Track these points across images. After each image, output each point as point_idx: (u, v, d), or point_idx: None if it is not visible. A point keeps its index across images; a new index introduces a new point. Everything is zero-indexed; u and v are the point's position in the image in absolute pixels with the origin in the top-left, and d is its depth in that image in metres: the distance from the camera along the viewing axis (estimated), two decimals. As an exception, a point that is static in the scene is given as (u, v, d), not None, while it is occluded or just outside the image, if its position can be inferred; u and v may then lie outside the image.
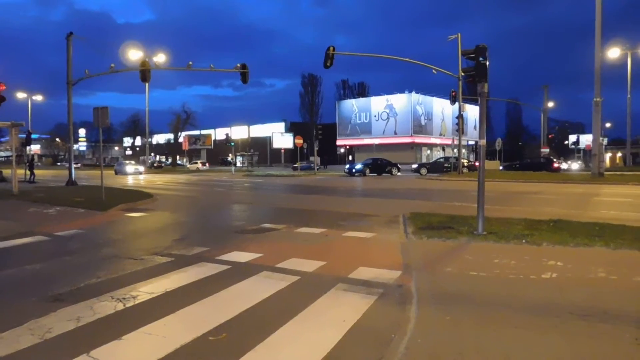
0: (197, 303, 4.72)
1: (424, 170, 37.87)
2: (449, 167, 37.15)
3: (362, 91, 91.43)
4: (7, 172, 26.34)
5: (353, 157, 71.48)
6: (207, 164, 71.03)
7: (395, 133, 70.06)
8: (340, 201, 16.81)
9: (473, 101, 57.20)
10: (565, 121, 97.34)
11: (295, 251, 7.28)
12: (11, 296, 5.10)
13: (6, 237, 8.62)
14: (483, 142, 8.38)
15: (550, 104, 49.07)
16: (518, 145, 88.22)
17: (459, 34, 31.49)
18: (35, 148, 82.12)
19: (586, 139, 66.09)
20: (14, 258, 7.14)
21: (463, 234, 8.13)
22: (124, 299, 4.84)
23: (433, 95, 72.25)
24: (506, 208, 12.48)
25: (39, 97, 50.34)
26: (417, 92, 70.50)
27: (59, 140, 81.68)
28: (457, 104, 33.47)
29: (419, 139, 69.49)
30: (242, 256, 6.95)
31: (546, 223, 8.94)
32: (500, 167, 39.97)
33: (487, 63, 8.18)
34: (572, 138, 76.37)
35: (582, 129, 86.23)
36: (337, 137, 77.46)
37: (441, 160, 42.12)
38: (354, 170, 38.15)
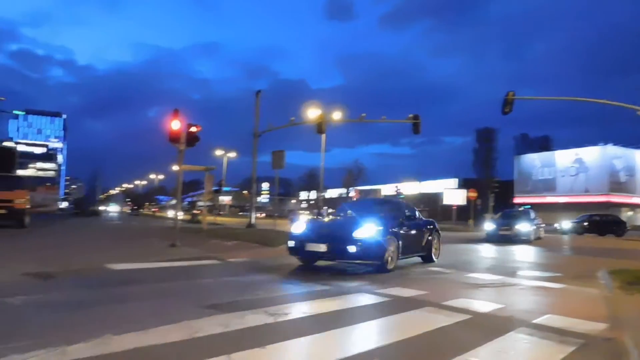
0: (349, 327, 4.21)
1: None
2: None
3: (544, 145, 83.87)
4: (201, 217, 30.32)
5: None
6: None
7: (587, 191, 61.64)
8: (511, 251, 14.85)
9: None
10: None
11: (465, 292, 6.36)
12: (173, 301, 5.27)
13: (188, 258, 9.46)
14: None
15: None
16: None
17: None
18: (227, 199, 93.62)
19: None
20: (188, 274, 7.68)
21: (696, 292, 6.14)
22: (275, 314, 4.59)
23: (635, 148, 62.31)
24: None
25: (233, 154, 57.92)
26: (614, 145, 61.66)
27: (246, 192, 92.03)
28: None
29: (616, 198, 59.70)
30: (403, 292, 6.26)
31: None
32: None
33: None
34: None
35: None
36: (515, 194, 71.29)
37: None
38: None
